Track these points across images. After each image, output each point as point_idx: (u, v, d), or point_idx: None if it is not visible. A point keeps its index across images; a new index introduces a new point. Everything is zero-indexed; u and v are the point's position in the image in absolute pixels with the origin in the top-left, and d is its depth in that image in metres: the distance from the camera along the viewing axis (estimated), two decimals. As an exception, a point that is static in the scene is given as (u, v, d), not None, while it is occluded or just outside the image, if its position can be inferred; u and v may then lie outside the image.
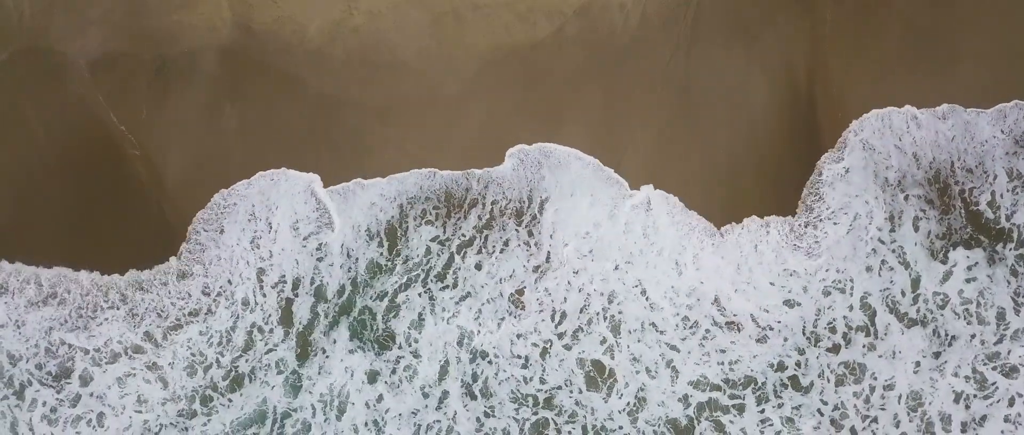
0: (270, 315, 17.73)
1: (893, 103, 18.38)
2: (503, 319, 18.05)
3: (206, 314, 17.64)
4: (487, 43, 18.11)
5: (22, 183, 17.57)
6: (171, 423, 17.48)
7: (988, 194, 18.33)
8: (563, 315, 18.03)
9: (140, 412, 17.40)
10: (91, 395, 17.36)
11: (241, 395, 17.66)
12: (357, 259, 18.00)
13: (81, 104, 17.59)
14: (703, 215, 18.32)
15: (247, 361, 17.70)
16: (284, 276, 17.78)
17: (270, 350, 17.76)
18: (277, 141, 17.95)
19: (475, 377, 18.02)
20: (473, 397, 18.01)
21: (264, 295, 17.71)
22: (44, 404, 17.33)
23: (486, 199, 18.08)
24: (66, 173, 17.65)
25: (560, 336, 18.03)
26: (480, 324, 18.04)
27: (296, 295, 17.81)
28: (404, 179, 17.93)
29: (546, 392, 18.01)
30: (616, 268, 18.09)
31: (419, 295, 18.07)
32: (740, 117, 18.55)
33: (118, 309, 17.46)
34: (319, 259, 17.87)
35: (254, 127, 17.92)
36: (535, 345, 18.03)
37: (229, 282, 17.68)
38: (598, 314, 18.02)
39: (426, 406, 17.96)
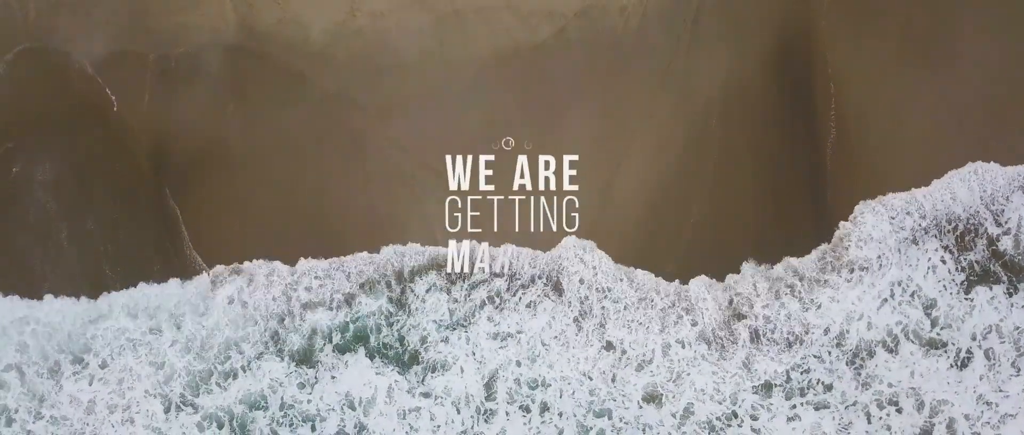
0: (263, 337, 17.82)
1: (894, 100, 18.35)
2: (552, 353, 17.90)
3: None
4: (489, 45, 18.19)
5: (23, 182, 17.57)
6: (182, 401, 17.36)
7: (1012, 239, 18.25)
8: (622, 352, 17.91)
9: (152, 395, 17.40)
10: (103, 381, 17.34)
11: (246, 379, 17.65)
12: (361, 304, 17.96)
13: (85, 104, 17.63)
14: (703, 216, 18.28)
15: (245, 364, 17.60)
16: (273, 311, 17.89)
17: (265, 359, 17.66)
18: (279, 141, 17.94)
19: (528, 397, 17.85)
20: (527, 411, 17.79)
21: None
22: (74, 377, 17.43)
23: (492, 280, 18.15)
24: (68, 171, 17.63)
25: (624, 366, 17.88)
26: (530, 359, 17.87)
27: (284, 327, 17.83)
28: (402, 252, 17.94)
29: (599, 406, 17.89)
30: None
31: (454, 334, 17.98)
32: (741, 117, 18.54)
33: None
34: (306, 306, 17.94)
35: (257, 127, 17.93)
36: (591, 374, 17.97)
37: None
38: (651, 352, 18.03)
39: (472, 419, 17.76)
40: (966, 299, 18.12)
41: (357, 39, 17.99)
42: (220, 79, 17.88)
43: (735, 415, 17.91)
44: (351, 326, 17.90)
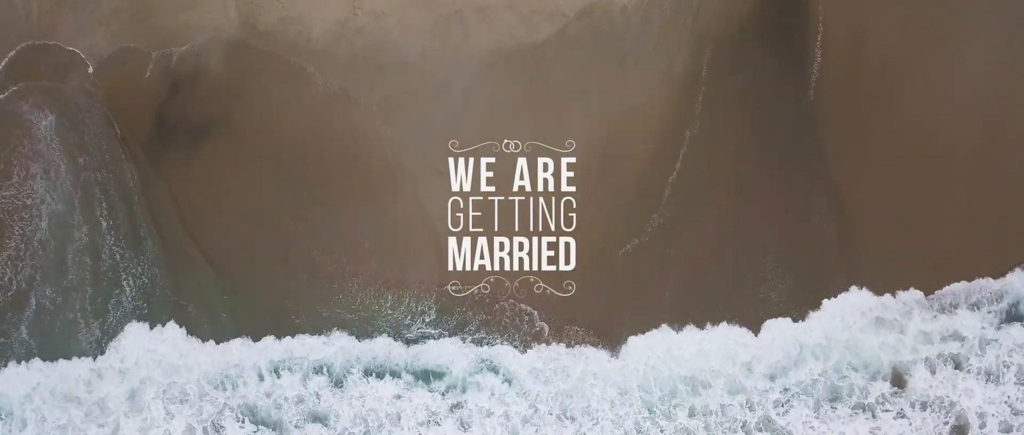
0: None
1: (896, 95, 18.27)
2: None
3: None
4: (490, 44, 18.23)
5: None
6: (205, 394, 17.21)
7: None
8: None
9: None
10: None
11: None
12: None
13: (87, 103, 17.57)
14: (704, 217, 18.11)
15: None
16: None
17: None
18: (281, 139, 17.84)
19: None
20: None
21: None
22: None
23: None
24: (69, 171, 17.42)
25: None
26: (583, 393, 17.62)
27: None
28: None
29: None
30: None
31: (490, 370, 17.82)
32: (742, 116, 18.40)
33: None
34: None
35: (259, 126, 17.83)
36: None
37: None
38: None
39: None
40: (999, 329, 18.02)
41: (359, 38, 18.06)
42: (222, 77, 17.87)
43: (770, 419, 17.65)
44: (365, 356, 17.66)
